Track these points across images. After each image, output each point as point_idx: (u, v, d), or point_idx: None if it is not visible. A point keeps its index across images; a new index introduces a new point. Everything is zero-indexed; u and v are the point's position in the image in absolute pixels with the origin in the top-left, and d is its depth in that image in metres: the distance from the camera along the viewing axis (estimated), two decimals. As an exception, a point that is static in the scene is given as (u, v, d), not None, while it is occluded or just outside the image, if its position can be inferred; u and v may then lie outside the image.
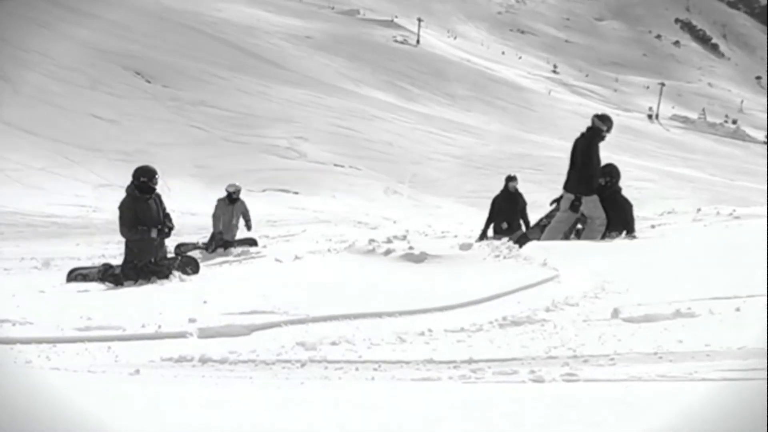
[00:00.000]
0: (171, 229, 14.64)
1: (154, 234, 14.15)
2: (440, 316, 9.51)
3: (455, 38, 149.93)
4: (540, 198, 33.63)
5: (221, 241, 19.21)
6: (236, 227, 19.78)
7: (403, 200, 35.31)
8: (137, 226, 14.15)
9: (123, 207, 14.24)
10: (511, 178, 19.83)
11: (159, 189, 14.53)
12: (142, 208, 14.16)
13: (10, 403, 4.17)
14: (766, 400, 4.03)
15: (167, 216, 14.68)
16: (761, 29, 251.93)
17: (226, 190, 19.91)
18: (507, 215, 19.20)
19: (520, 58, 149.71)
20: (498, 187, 20.04)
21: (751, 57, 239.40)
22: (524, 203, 19.60)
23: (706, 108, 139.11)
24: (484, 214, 19.84)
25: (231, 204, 19.78)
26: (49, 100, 36.51)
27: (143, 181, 14.21)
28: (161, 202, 14.65)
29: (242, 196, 20.54)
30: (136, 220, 14.15)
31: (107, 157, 32.36)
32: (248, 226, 20.21)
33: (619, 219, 16.92)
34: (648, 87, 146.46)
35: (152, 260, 14.05)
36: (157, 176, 14.38)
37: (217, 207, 19.78)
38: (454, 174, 41.55)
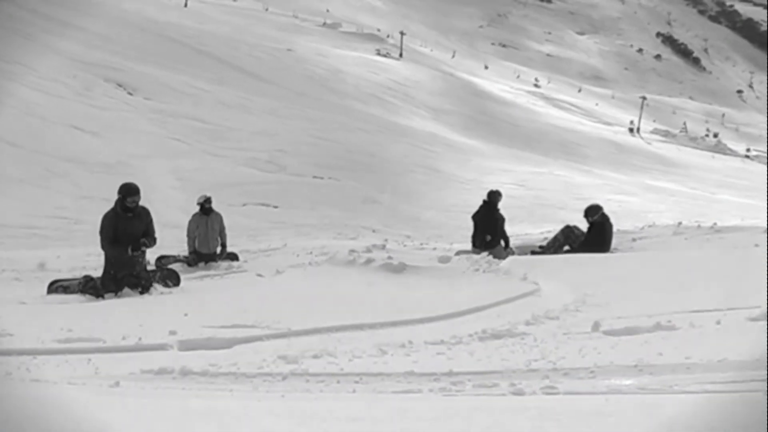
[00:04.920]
0: (147, 246, 14.38)
1: (129, 252, 13.97)
2: (421, 328, 9.53)
3: (436, 51, 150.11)
4: (520, 214, 33.73)
5: (195, 261, 18.71)
6: (215, 240, 19.14)
7: (383, 210, 35.23)
8: (114, 241, 14.04)
9: (104, 220, 14.14)
10: (500, 193, 19.88)
11: (141, 201, 14.41)
12: (121, 225, 14.02)
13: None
14: (746, 413, 4.05)
15: (149, 233, 14.48)
16: (743, 43, 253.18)
17: (197, 203, 19.42)
18: (489, 229, 19.23)
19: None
20: (479, 202, 20.02)
21: (732, 71, 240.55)
22: (503, 219, 19.65)
23: (687, 121, 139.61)
24: (465, 229, 19.83)
25: (205, 216, 19.00)
26: (31, 112, 36.33)
27: (120, 198, 14.08)
28: (148, 217, 14.46)
29: (223, 210, 20.31)
30: (114, 236, 14.04)
31: (89, 170, 32.18)
32: (222, 244, 19.17)
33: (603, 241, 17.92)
34: (629, 101, 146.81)
35: (132, 273, 13.96)
36: (135, 196, 14.09)
37: (190, 223, 19.07)
38: (436, 187, 41.49)
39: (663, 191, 54.84)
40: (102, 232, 14.05)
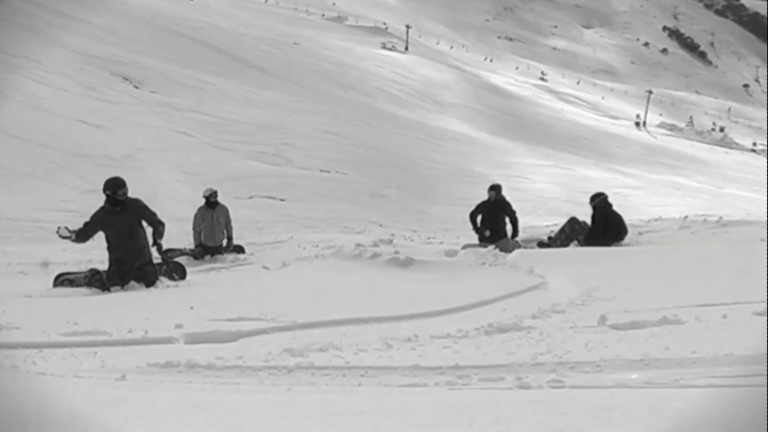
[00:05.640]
0: (159, 244, 14.26)
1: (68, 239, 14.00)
2: (427, 322, 9.51)
3: (442, 44, 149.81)
4: (526, 206, 33.70)
5: (201, 254, 18.71)
6: (220, 233, 19.13)
7: (390, 204, 35.24)
8: (87, 237, 14.09)
9: (93, 219, 14.07)
10: (492, 188, 19.90)
11: (145, 196, 14.35)
12: (111, 221, 13.88)
13: (-4, 408, 4.16)
14: (751, 407, 4.04)
15: (151, 222, 14.29)
16: (749, 37, 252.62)
17: (203, 196, 19.46)
18: (490, 223, 19.30)
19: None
20: (485, 195, 20.05)
21: (738, 65, 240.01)
22: (512, 211, 19.63)
23: (694, 115, 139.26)
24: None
25: (210, 209, 19.09)
26: (37, 105, 36.34)
27: (108, 195, 13.95)
28: (140, 206, 14.26)
29: (229, 203, 20.30)
30: (91, 231, 14.02)
31: (94, 163, 32.13)
32: (228, 237, 19.30)
33: (603, 228, 17.90)
34: (636, 94, 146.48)
35: (135, 266, 13.88)
36: (124, 188, 13.90)
37: (195, 217, 19.20)
38: (442, 181, 41.49)
39: (669, 185, 54.81)
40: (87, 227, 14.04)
